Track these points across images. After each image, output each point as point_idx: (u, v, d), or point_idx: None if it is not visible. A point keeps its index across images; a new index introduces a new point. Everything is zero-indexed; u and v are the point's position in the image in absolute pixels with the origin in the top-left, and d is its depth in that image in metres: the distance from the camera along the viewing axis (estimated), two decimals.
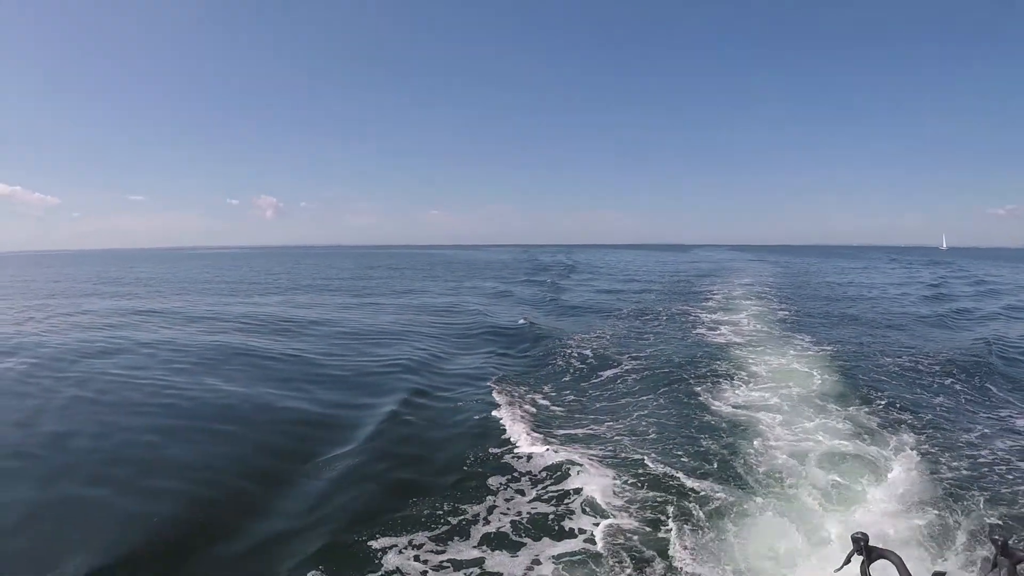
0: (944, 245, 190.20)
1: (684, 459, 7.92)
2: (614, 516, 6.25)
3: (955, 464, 7.80)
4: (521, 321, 19.83)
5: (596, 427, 9.39)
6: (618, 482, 7.05)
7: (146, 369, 12.66)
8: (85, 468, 7.55)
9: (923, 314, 23.35)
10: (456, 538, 5.92)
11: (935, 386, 12.09)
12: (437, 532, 6.01)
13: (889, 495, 6.81)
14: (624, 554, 5.53)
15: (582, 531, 6.02)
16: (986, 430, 9.35)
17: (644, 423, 9.52)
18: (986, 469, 7.73)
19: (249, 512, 6.45)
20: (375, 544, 5.75)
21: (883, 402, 10.49)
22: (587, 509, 6.42)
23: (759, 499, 6.66)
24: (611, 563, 5.41)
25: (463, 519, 6.28)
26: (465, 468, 7.65)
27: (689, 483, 7.03)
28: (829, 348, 15.27)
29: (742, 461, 7.79)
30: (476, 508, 6.53)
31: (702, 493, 6.77)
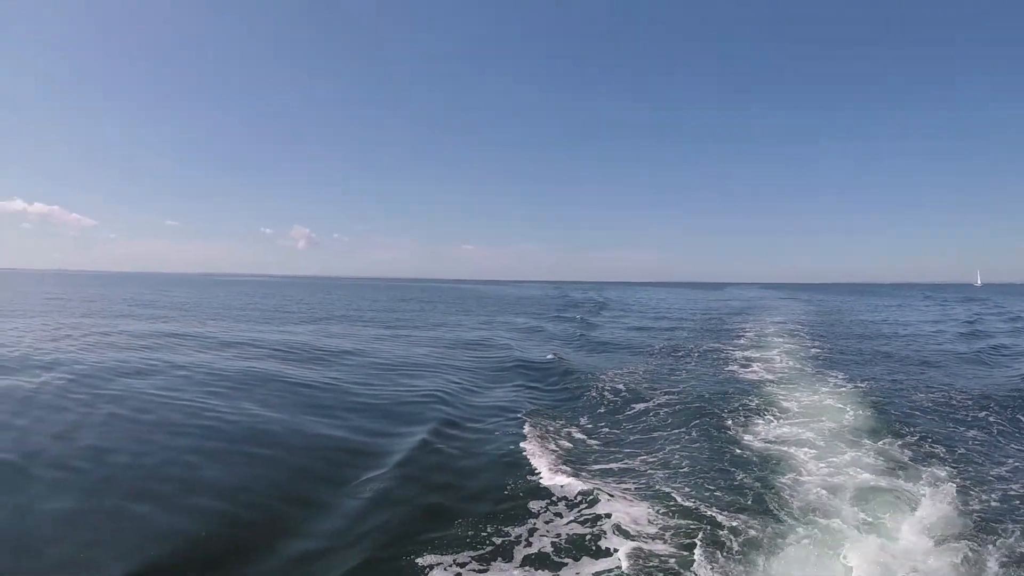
0: (979, 282, 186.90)
1: (716, 492, 8.00)
2: (645, 542, 6.36)
3: (986, 497, 7.83)
4: (551, 356, 19.94)
5: (628, 460, 9.49)
6: (651, 512, 7.12)
7: (182, 391, 12.99)
8: (124, 482, 7.86)
9: (959, 351, 23.03)
10: (490, 561, 6.08)
11: (969, 419, 12.11)
12: (465, 555, 6.15)
13: (921, 529, 6.86)
14: None
15: (613, 552, 6.16)
16: (1018, 464, 9.42)
17: (676, 456, 9.61)
18: (1018, 502, 7.85)
19: (285, 532, 6.65)
20: (408, 563, 5.97)
21: (916, 437, 10.54)
22: (617, 535, 6.52)
23: (790, 533, 6.73)
24: None
25: (494, 545, 6.39)
26: (496, 495, 7.75)
27: (720, 515, 7.10)
28: (863, 385, 15.23)
29: (774, 495, 7.85)
30: (508, 533, 6.66)
31: (733, 524, 6.83)
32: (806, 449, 9.90)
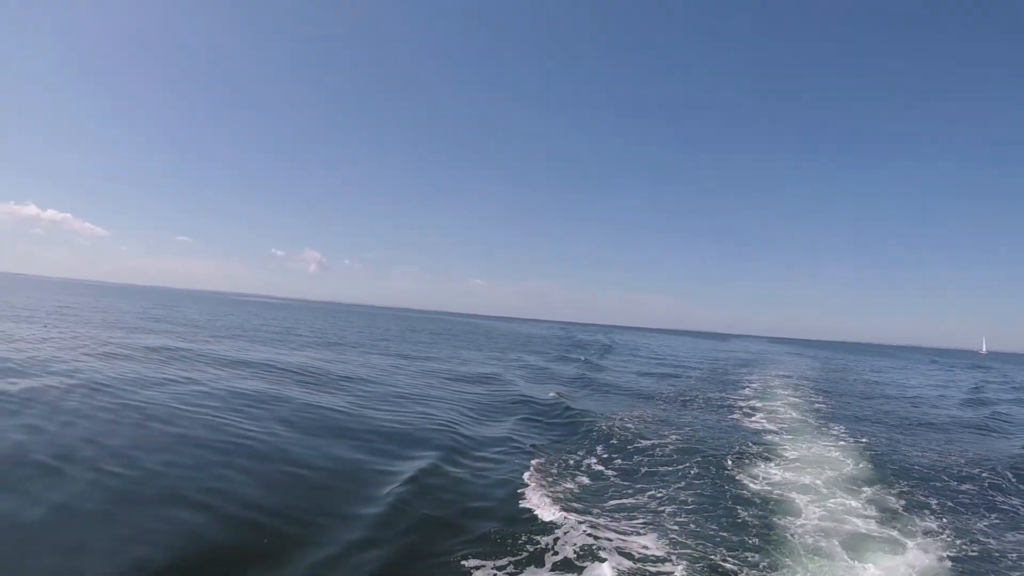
0: (984, 349, 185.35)
1: (715, 528, 8.48)
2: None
3: (970, 549, 8.38)
4: (553, 395, 20.08)
5: (627, 497, 9.79)
6: (647, 548, 7.47)
7: (203, 406, 13.43)
8: (157, 486, 8.33)
9: (961, 416, 23.43)
10: None
11: (963, 475, 12.64)
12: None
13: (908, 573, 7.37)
14: None
15: None
16: (1001, 519, 9.95)
17: (676, 495, 10.00)
18: (997, 555, 8.29)
19: (304, 540, 7.14)
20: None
21: (909, 489, 11.08)
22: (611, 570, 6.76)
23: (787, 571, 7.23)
24: None
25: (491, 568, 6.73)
26: (495, 522, 8.10)
27: (718, 551, 7.60)
28: (863, 440, 15.66)
29: (773, 535, 8.33)
30: (503, 559, 6.97)
31: (731, 563, 7.32)
32: (808, 495, 10.34)
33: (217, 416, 12.64)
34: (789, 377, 35.40)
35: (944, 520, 9.53)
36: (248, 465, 9.68)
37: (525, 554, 7.11)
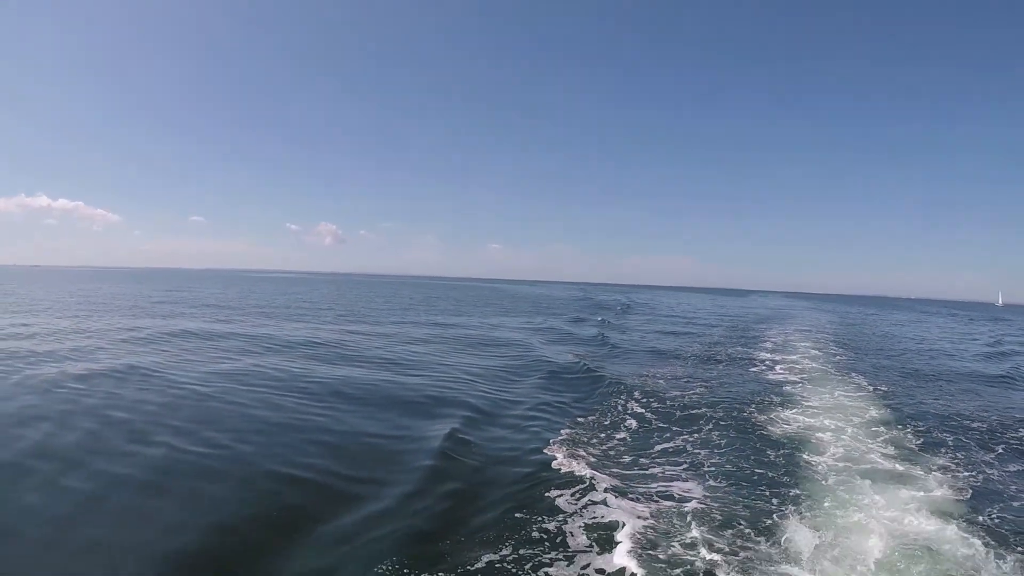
0: (1000, 302, 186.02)
1: (747, 469, 9.31)
2: (651, 535, 6.68)
3: (981, 479, 9.33)
4: (574, 358, 20.21)
5: (656, 447, 10.29)
6: (686, 492, 8.17)
7: (258, 387, 13.63)
8: (229, 459, 8.85)
9: (981, 367, 24.04)
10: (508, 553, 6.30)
11: (978, 417, 13.52)
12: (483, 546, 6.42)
13: (926, 503, 8.14)
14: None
15: (618, 548, 6.40)
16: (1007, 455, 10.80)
17: (706, 441, 10.79)
18: (1009, 484, 9.06)
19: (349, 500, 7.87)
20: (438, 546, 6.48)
21: (924, 429, 12.11)
22: (629, 535, 6.70)
23: (812, 501, 8.03)
24: None
25: (511, 538, 6.66)
26: (514, 488, 8.21)
27: (747, 490, 8.48)
28: (883, 389, 16.53)
29: (799, 472, 9.18)
30: (524, 527, 6.96)
31: (759, 499, 8.22)
32: (829, 436, 11.23)
33: (274, 395, 12.93)
34: (808, 331, 36.00)
35: (959, 456, 10.37)
36: (308, 436, 10.15)
37: (554, 514, 7.31)
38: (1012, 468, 10.02)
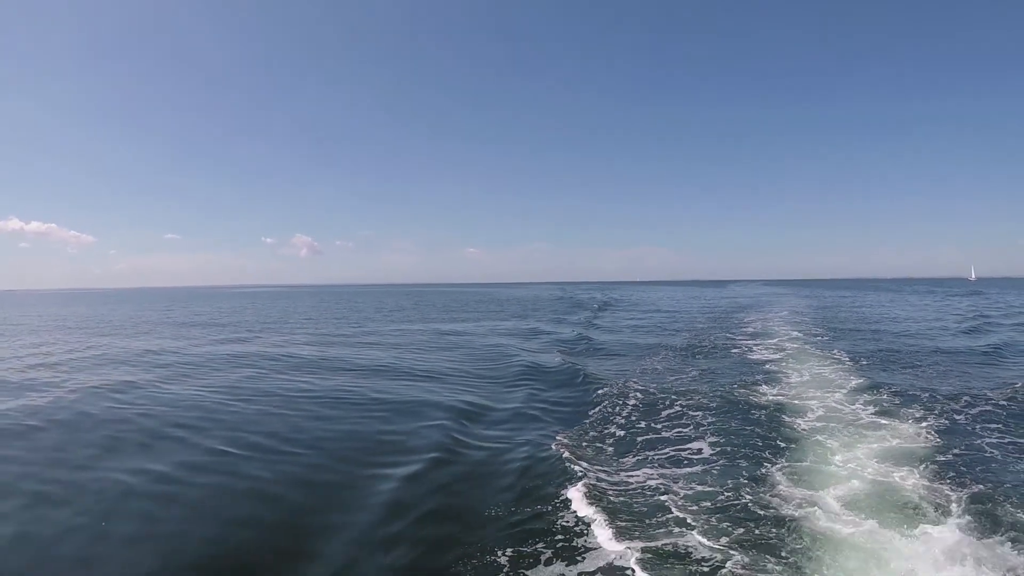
0: (973, 276, 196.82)
1: (734, 432, 10.15)
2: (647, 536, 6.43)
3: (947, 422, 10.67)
4: (558, 358, 19.96)
5: (640, 454, 9.63)
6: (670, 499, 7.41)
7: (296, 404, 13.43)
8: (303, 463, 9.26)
9: (947, 335, 25.11)
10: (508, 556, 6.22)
11: (948, 373, 14.84)
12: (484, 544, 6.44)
13: (903, 452, 9.11)
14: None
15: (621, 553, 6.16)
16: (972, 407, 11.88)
17: (693, 439, 10.21)
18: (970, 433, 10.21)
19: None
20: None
21: (899, 390, 13.29)
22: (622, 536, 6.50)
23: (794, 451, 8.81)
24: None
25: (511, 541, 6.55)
26: (514, 489, 8.12)
27: (737, 447, 9.22)
28: (864, 362, 17.57)
29: (783, 429, 10.20)
30: (522, 527, 6.87)
31: (746, 456, 8.94)
32: (811, 402, 12.33)
33: (312, 408, 13.09)
34: (787, 315, 36.71)
35: (930, 408, 11.74)
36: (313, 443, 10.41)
37: (551, 510, 7.29)
38: (974, 416, 11.20)
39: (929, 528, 6.40)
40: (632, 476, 8.45)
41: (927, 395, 12.76)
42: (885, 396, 12.53)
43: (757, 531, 6.51)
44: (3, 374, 18.01)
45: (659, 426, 11.06)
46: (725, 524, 6.70)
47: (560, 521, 6.91)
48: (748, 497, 7.41)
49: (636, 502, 7.46)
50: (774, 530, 6.51)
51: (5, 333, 34.05)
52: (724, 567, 5.78)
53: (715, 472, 8.46)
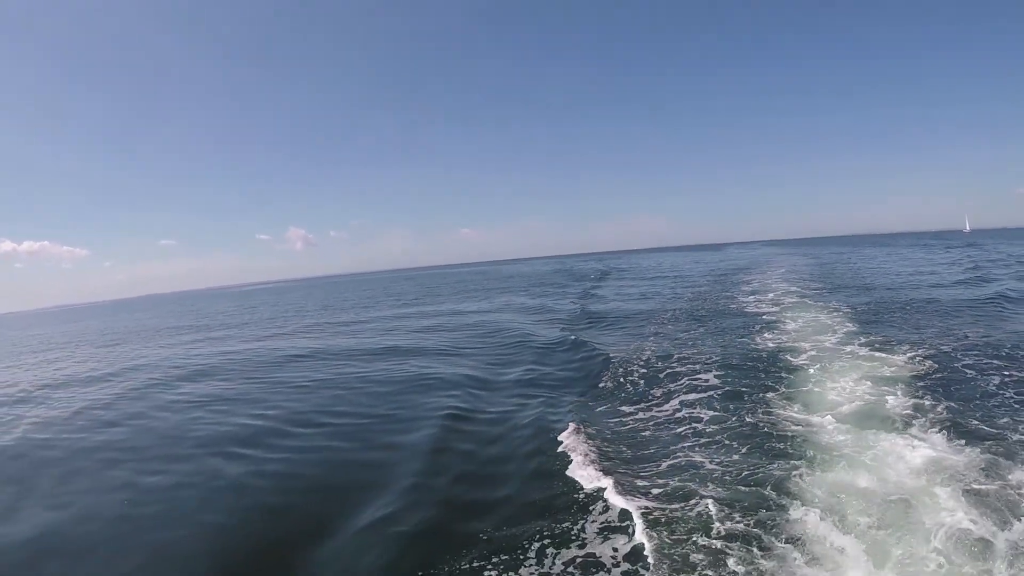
0: (967, 228, 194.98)
1: (740, 373, 11.47)
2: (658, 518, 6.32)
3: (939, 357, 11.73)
4: (561, 331, 20.21)
5: (651, 422, 9.72)
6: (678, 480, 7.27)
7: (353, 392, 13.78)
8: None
9: (938, 283, 26.17)
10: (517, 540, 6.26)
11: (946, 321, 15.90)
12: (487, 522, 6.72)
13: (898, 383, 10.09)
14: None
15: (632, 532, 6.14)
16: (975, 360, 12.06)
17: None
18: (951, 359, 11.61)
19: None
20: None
21: (892, 330, 14.81)
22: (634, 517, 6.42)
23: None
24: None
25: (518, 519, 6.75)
26: (524, 467, 8.29)
27: (744, 384, 10.59)
28: (861, 309, 18.82)
29: (783, 364, 11.72)
30: (528, 508, 7.00)
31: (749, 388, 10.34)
32: (809, 343, 13.69)
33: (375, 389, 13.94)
34: (785, 272, 37.14)
35: (919, 341, 13.19)
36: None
37: (561, 490, 7.38)
38: (959, 347, 12.43)
39: (912, 436, 7.69)
40: (643, 421, 9.75)
41: (917, 335, 13.92)
42: (881, 335, 13.87)
43: (765, 445, 7.88)
44: None
45: (664, 377, 12.22)
46: (733, 442, 8.12)
47: (572, 477, 7.64)
48: (750, 420, 8.92)
49: (648, 441, 8.74)
50: (778, 445, 7.83)
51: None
52: (728, 478, 7.06)
53: (721, 404, 9.90)
